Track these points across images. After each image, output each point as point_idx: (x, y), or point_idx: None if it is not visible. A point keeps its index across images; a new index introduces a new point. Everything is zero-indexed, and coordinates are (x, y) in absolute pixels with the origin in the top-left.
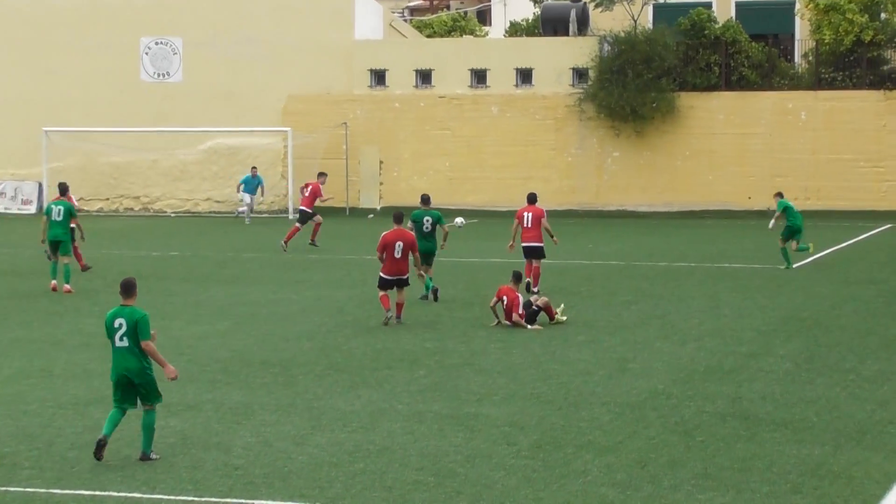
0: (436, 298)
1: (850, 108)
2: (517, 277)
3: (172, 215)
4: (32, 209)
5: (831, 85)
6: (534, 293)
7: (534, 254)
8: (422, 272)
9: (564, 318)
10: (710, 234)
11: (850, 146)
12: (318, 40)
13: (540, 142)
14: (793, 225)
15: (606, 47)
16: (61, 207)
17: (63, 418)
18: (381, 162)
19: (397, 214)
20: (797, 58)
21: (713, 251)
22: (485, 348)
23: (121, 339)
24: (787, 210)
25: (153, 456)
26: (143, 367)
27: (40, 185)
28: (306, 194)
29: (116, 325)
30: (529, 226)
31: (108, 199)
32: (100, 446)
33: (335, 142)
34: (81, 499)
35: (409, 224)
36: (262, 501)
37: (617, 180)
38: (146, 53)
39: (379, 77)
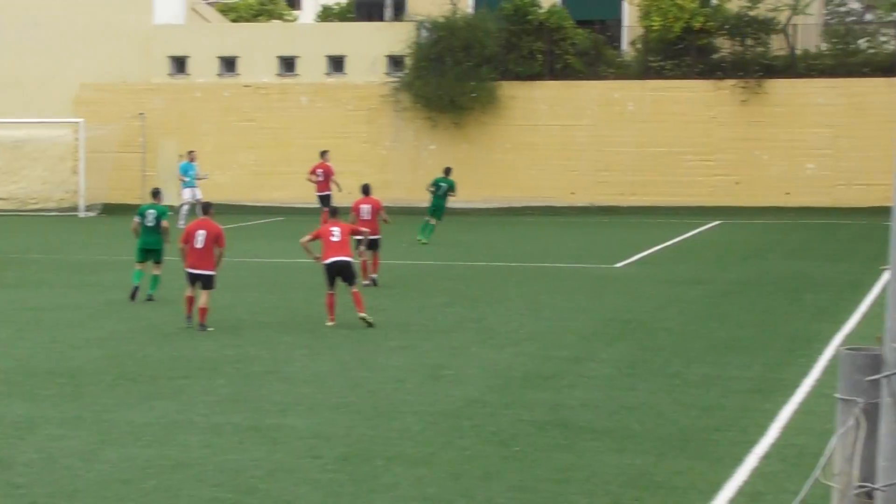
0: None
1: (678, 98)
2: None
3: None
4: None
5: (660, 74)
6: (368, 283)
7: (371, 245)
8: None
9: (371, 319)
10: (531, 232)
11: (679, 139)
12: (113, 25)
13: (352, 134)
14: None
15: (424, 33)
16: None
17: None
18: (180, 155)
19: (204, 204)
20: (624, 45)
21: (534, 250)
22: (289, 355)
23: None
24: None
25: None
26: None
27: None
28: (319, 178)
29: None
30: (368, 218)
31: None
32: None
33: (131, 134)
34: None
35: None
36: None
37: (434, 175)
38: None
39: (179, 64)
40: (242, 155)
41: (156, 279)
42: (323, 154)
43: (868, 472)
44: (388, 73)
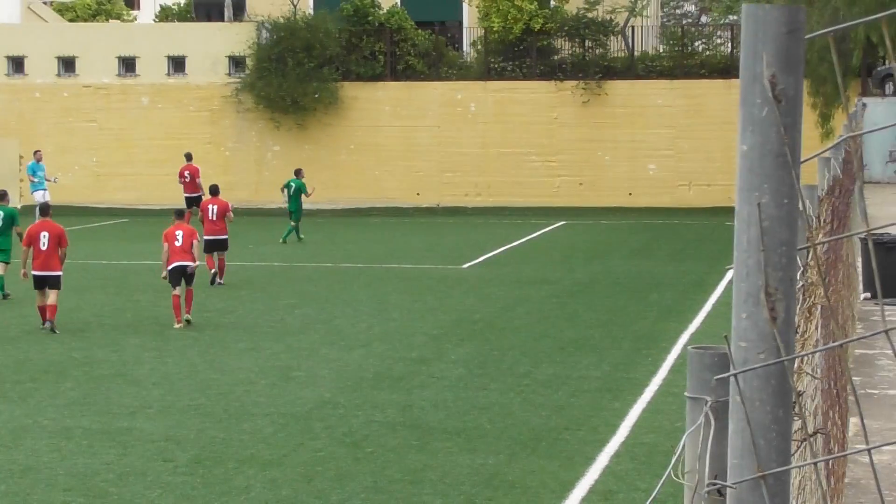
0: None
1: (520, 99)
2: (179, 214)
3: None
4: None
5: (501, 75)
6: (219, 284)
7: (218, 246)
8: None
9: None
10: (377, 233)
11: (522, 139)
12: None
13: (195, 135)
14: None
15: (265, 34)
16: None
17: None
18: (20, 157)
19: (42, 206)
20: (466, 46)
21: (381, 251)
22: (138, 357)
23: None
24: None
25: None
26: None
27: None
28: (186, 180)
29: None
30: (214, 218)
31: None
32: None
33: None
34: None
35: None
36: None
37: (277, 176)
38: None
39: (17, 64)
40: (84, 156)
41: (1, 279)
42: (188, 156)
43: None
44: (229, 74)
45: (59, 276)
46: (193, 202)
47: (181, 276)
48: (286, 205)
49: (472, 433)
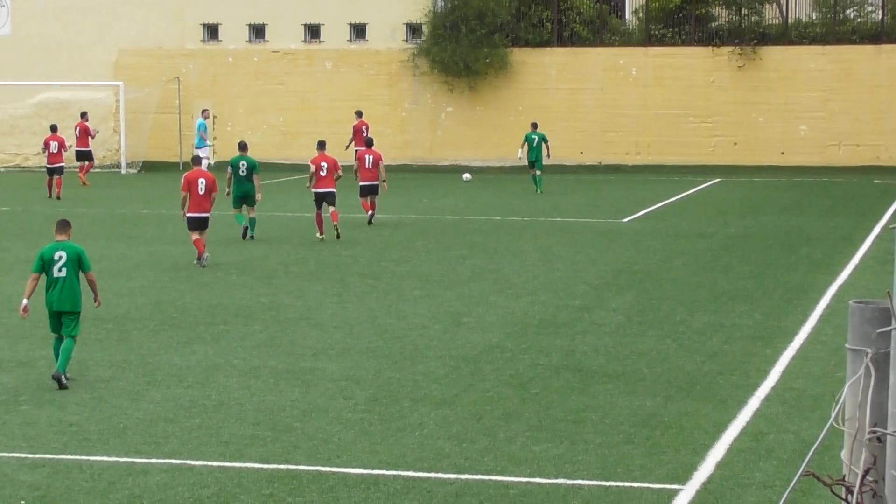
0: (244, 236)
1: (679, 64)
2: (321, 145)
3: (2, 170)
4: None
5: (661, 41)
6: (370, 216)
7: (372, 191)
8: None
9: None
10: (543, 189)
11: (680, 101)
12: None
13: (374, 97)
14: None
15: (440, 2)
16: None
17: None
18: (214, 117)
19: (195, 157)
20: (628, 14)
21: (546, 206)
22: (320, 303)
23: (59, 270)
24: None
25: (66, 379)
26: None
27: None
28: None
29: (56, 257)
30: (370, 167)
31: None
32: (58, 381)
33: (168, 96)
34: None
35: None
36: (98, 458)
37: (451, 135)
38: None
39: (212, 31)
40: (272, 116)
41: (253, 221)
42: (359, 114)
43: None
44: (406, 41)
45: (208, 218)
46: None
47: (323, 199)
48: (523, 157)
49: (630, 377)
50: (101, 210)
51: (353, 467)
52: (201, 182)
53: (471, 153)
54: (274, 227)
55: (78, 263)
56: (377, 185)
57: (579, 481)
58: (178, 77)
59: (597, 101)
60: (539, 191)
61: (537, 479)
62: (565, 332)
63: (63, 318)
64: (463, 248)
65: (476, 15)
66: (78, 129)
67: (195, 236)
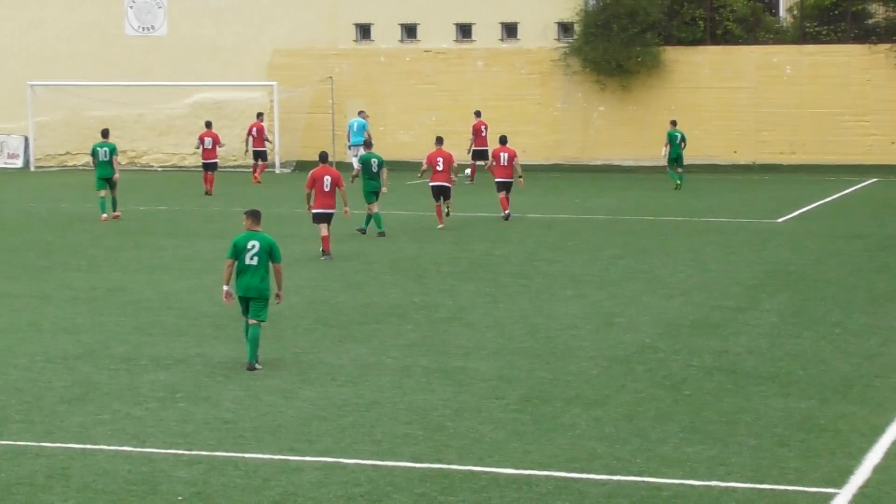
0: (363, 232)
1: (834, 62)
2: (439, 141)
3: (159, 170)
4: (19, 163)
5: (816, 39)
6: (506, 214)
7: (507, 187)
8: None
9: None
10: (695, 189)
11: (835, 100)
12: None
13: (525, 96)
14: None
15: (591, 1)
16: (107, 149)
17: (52, 372)
18: (367, 116)
19: (322, 154)
20: (782, 12)
21: (699, 206)
22: (472, 303)
23: (251, 258)
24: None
25: (258, 367)
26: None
27: (26, 139)
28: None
29: (250, 246)
30: (505, 164)
31: (89, 155)
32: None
33: (321, 96)
34: (72, 452)
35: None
36: (252, 455)
37: (603, 134)
38: (130, 7)
39: (364, 31)
40: (424, 115)
41: (378, 217)
42: (477, 113)
43: None
44: (558, 39)
45: (333, 214)
46: (480, 155)
47: (440, 193)
48: (666, 156)
49: (785, 378)
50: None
51: (505, 467)
52: (327, 179)
53: (623, 152)
54: (425, 227)
55: (269, 254)
56: (512, 182)
57: (733, 483)
58: (331, 77)
59: (750, 99)
60: (680, 185)
61: (690, 481)
62: (718, 333)
63: (251, 304)
64: (615, 248)
65: (628, 13)
66: (255, 129)
67: (324, 232)
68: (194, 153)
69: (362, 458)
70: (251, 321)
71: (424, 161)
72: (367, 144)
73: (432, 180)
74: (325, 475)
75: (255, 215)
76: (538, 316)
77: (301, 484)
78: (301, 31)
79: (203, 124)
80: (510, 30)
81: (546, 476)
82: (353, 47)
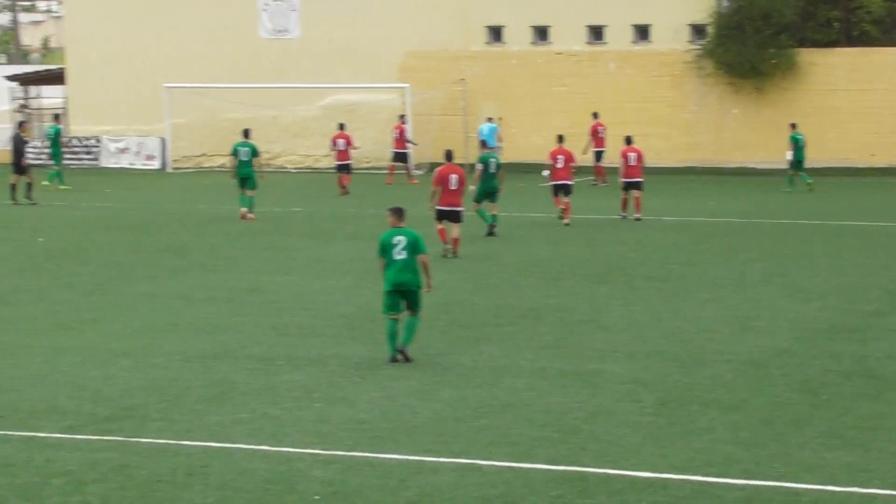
0: (490, 233)
1: None
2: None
3: (293, 171)
4: (156, 165)
5: None
6: (637, 218)
7: (637, 186)
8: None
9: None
10: (832, 192)
11: None
12: None
13: (658, 99)
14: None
15: (725, 3)
16: (248, 149)
17: (190, 371)
18: (499, 118)
19: (448, 152)
20: None
21: (836, 209)
22: (607, 305)
23: (399, 253)
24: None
25: (408, 352)
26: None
27: (163, 141)
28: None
29: (395, 241)
30: (634, 164)
31: (229, 154)
32: (393, 361)
33: (453, 98)
34: (210, 451)
35: (478, 165)
36: (388, 455)
37: (737, 137)
38: (264, 10)
39: (496, 33)
40: (556, 118)
41: (495, 217)
42: (595, 115)
43: None
44: (690, 42)
45: (462, 211)
46: (597, 157)
47: (560, 190)
48: (791, 158)
49: None
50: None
51: (642, 470)
52: (453, 177)
53: (758, 155)
54: (562, 229)
55: (414, 247)
56: (642, 182)
57: (874, 490)
58: (463, 79)
59: (889, 102)
60: (811, 184)
61: (829, 487)
62: (857, 337)
63: (408, 297)
64: (751, 252)
65: (762, 15)
66: (397, 130)
67: (453, 232)
68: (328, 155)
69: (498, 460)
70: (409, 313)
71: (548, 158)
72: (485, 145)
73: (553, 178)
74: (460, 476)
75: (398, 212)
76: (674, 319)
77: (437, 485)
78: (433, 34)
79: (336, 126)
80: (642, 32)
81: (683, 480)
82: (485, 50)
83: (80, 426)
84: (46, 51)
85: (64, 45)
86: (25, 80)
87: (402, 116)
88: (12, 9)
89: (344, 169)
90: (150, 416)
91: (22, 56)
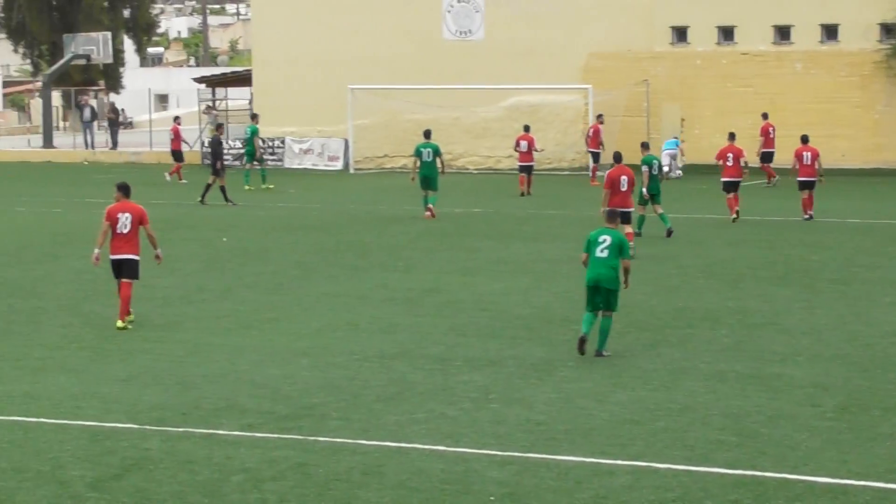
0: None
1: None
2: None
3: (475, 172)
4: (338, 165)
5: None
6: (810, 216)
7: (809, 186)
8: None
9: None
10: None
11: None
12: None
13: (844, 99)
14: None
15: None
16: (430, 149)
17: (369, 371)
18: (682, 119)
19: (616, 154)
20: None
21: None
22: (788, 308)
23: (601, 251)
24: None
25: (605, 353)
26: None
27: (346, 142)
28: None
29: (601, 240)
30: (808, 163)
31: (411, 155)
32: (581, 342)
33: (636, 99)
34: (387, 450)
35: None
36: (564, 457)
37: None
38: (448, 11)
39: (680, 34)
40: (740, 119)
41: (642, 218)
42: (764, 116)
43: None
44: (880, 41)
45: (632, 212)
46: (767, 157)
47: (731, 187)
48: None
49: None
50: (568, 212)
51: (821, 476)
52: (623, 179)
53: None
54: (740, 230)
55: (619, 249)
56: (815, 181)
57: None
58: (646, 80)
59: None
60: None
61: None
62: None
63: (604, 294)
64: None
65: None
66: (591, 130)
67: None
68: (510, 156)
69: (674, 463)
70: (604, 313)
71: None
72: (645, 146)
73: (724, 175)
74: (636, 479)
75: (612, 215)
76: (856, 323)
77: (613, 487)
78: (617, 35)
79: (521, 127)
80: (830, 31)
81: (864, 486)
82: (669, 50)
83: (260, 424)
84: (234, 53)
85: (251, 47)
86: (212, 82)
87: (599, 116)
88: (202, 12)
89: (525, 170)
90: (329, 415)
91: (211, 59)
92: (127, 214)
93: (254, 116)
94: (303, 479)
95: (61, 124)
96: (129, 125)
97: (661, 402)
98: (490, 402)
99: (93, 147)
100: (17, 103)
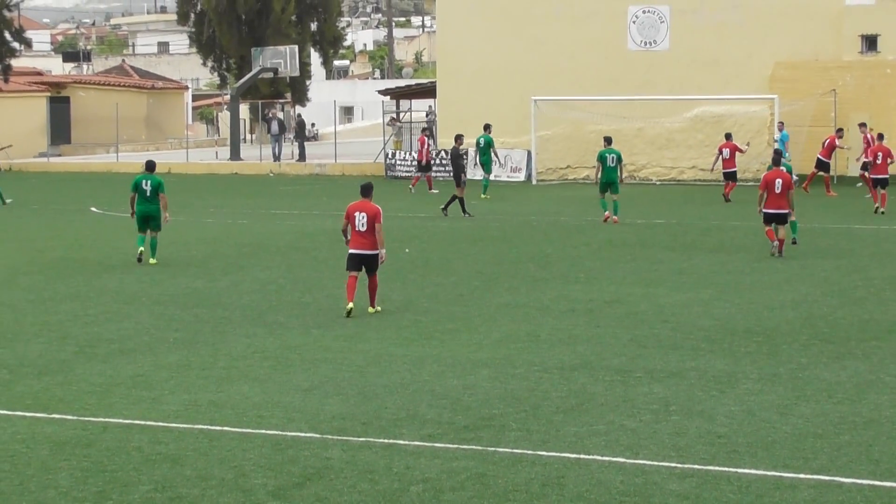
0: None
1: None
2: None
3: (658, 183)
4: (521, 176)
5: None
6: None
7: (881, 183)
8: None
9: None
10: None
11: None
12: (806, 6)
13: None
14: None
15: None
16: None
17: (549, 382)
18: (870, 130)
19: (776, 152)
20: None
21: None
22: None
23: None
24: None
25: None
26: None
27: (529, 153)
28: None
29: None
30: (879, 163)
31: (594, 166)
32: None
33: (823, 109)
34: (566, 462)
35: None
36: (746, 470)
37: None
38: (633, 22)
39: (870, 43)
40: None
41: (794, 225)
42: (861, 126)
43: None
44: None
45: (787, 214)
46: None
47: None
48: None
49: None
50: (752, 223)
51: None
52: (778, 182)
53: None
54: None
55: None
56: (886, 178)
57: None
58: (833, 90)
59: None
60: None
61: None
62: None
63: None
64: None
65: None
66: (826, 141)
67: (767, 227)
68: (693, 167)
69: (859, 478)
70: None
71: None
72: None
73: (871, 172)
74: (819, 493)
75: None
76: None
77: (795, 501)
78: (804, 44)
79: (704, 138)
80: None
81: None
82: (858, 59)
83: (440, 434)
84: (419, 65)
85: (436, 59)
86: (396, 93)
87: (839, 130)
88: (387, 25)
89: (730, 177)
90: (508, 426)
91: (396, 71)
92: (363, 213)
93: (486, 127)
94: (482, 489)
95: (248, 137)
96: (314, 137)
97: (846, 416)
98: (671, 413)
99: (279, 159)
100: (206, 116)
